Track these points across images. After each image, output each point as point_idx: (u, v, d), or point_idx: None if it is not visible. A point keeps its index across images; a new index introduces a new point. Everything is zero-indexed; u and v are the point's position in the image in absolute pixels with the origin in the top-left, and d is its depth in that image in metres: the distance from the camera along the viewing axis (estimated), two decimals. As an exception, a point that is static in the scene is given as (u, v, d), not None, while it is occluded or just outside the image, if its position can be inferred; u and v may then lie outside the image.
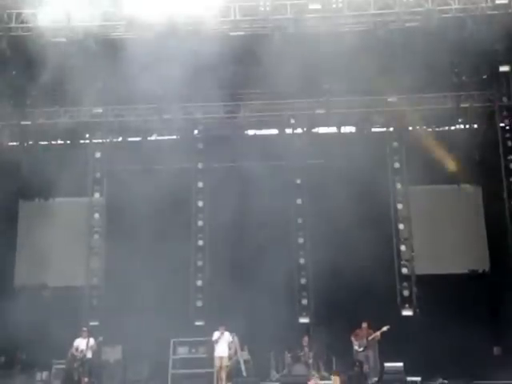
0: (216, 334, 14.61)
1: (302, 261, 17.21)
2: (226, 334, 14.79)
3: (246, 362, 15.47)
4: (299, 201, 17.53)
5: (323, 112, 17.36)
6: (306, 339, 15.64)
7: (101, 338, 15.30)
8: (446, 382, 14.23)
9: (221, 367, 14.69)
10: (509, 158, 16.66)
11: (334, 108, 17.35)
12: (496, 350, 16.15)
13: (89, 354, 14.84)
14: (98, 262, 17.23)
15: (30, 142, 18.14)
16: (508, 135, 16.81)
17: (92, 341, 14.94)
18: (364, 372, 14.79)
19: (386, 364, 14.70)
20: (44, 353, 15.54)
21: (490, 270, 17.91)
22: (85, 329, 15.15)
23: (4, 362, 16.08)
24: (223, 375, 14.63)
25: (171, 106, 17.35)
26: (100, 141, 18.11)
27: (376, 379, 14.70)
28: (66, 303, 16.32)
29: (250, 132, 18.65)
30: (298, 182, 17.62)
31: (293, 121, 17.66)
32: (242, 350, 15.61)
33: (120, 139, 18.26)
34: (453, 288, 16.71)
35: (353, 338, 15.10)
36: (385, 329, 14.84)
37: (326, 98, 17.11)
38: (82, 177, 17.59)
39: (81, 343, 14.91)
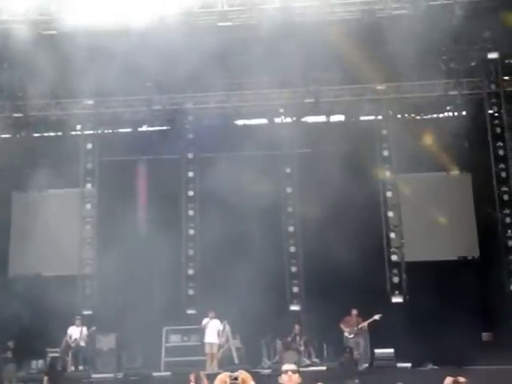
0: (205, 320, 14.34)
1: (292, 249, 16.85)
2: (216, 320, 14.49)
3: (237, 349, 15.23)
4: (289, 189, 17.18)
5: (312, 101, 16.85)
6: (297, 327, 15.29)
7: (94, 328, 15.04)
8: (436, 367, 13.85)
9: (211, 354, 14.40)
10: (497, 144, 16.26)
11: (323, 97, 16.87)
12: (485, 336, 15.77)
13: (82, 343, 14.62)
14: (91, 252, 16.89)
15: (23, 134, 17.80)
16: (496, 122, 16.40)
17: (85, 330, 14.70)
18: (354, 358, 14.44)
19: (377, 350, 14.46)
20: (39, 341, 15.33)
21: (480, 256, 17.45)
22: (78, 317, 14.93)
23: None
24: (214, 362, 14.34)
25: (161, 97, 16.94)
26: (91, 132, 17.72)
27: (366, 365, 14.38)
28: (60, 292, 15.92)
29: (240, 122, 18.19)
30: (288, 170, 17.24)
31: (282, 110, 17.22)
32: (234, 337, 15.31)
33: (111, 130, 17.88)
34: (442, 275, 16.32)
35: (342, 325, 14.76)
36: (376, 317, 14.52)
37: (315, 87, 16.62)
38: (74, 168, 17.24)
39: (74, 332, 14.67)
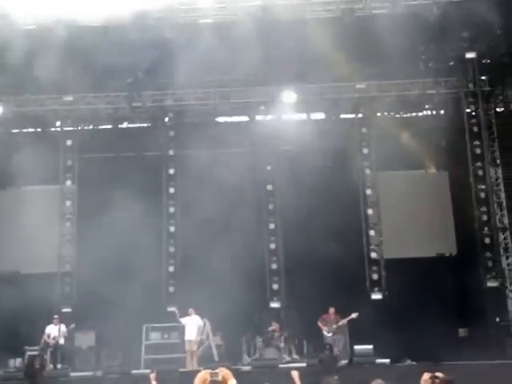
0: (185, 318, 14.25)
1: (272, 246, 16.79)
2: (196, 317, 14.39)
3: (218, 346, 15.09)
4: (270, 187, 17.11)
5: (293, 99, 16.80)
6: (274, 324, 15.22)
7: (73, 325, 14.84)
8: (414, 363, 13.88)
9: (191, 351, 14.31)
10: (474, 143, 16.40)
11: (304, 95, 16.83)
12: (461, 332, 15.87)
13: (61, 341, 14.40)
14: (70, 249, 16.65)
15: (1, 130, 17.51)
16: (473, 121, 16.54)
17: (63, 327, 14.48)
18: (334, 354, 14.40)
19: (356, 347, 14.39)
20: (17, 340, 15.06)
21: (457, 253, 17.59)
22: (56, 316, 14.68)
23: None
24: (194, 359, 14.24)
25: (142, 94, 16.76)
26: (71, 129, 17.44)
27: (346, 362, 14.33)
28: (39, 290, 15.68)
29: (221, 119, 18.12)
30: (269, 168, 17.17)
31: (263, 108, 17.16)
32: (214, 335, 15.20)
33: (91, 127, 17.64)
34: (420, 271, 16.37)
35: (320, 324, 14.70)
36: (353, 316, 14.46)
37: (296, 85, 16.58)
38: (54, 164, 16.93)
39: (53, 330, 14.45)
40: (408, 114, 17.92)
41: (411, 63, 16.33)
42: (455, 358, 12.70)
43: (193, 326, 14.27)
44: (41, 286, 15.87)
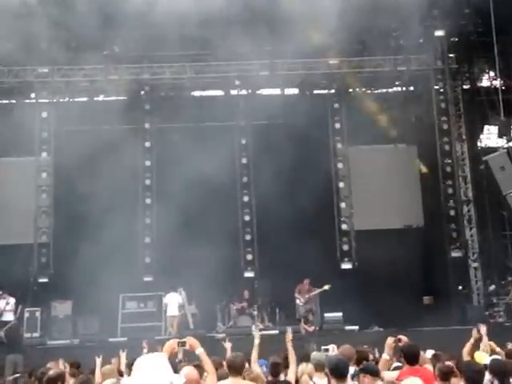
0: (166, 297, 14.69)
1: (247, 218, 16.77)
2: (176, 294, 14.66)
3: (193, 315, 15.12)
4: (244, 160, 17.02)
5: (267, 74, 16.61)
6: (246, 293, 15.35)
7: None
8: (381, 329, 14.13)
9: (172, 323, 14.61)
10: (442, 119, 16.54)
11: (278, 70, 16.65)
12: (426, 299, 16.16)
13: (8, 316, 13.80)
14: (47, 221, 16.30)
15: (-25, 102, 16.99)
16: (441, 97, 16.67)
17: (12, 301, 13.89)
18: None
19: (326, 314, 14.64)
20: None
21: (424, 225, 17.84)
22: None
23: None
24: (175, 326, 14.54)
25: (118, 67, 16.37)
26: (46, 101, 16.96)
27: (317, 328, 14.51)
28: (16, 261, 15.43)
29: (196, 93, 17.87)
30: (243, 142, 17.06)
31: (238, 82, 16.93)
32: (190, 304, 15.22)
33: (67, 99, 17.18)
34: (389, 242, 16.62)
35: (296, 294, 14.82)
36: (326, 287, 14.65)
37: (270, 60, 16.38)
38: (29, 136, 16.48)
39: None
40: (379, 90, 17.94)
41: (383, 40, 16.26)
42: (420, 324, 12.99)
43: (174, 302, 14.59)
44: (17, 257, 15.66)
